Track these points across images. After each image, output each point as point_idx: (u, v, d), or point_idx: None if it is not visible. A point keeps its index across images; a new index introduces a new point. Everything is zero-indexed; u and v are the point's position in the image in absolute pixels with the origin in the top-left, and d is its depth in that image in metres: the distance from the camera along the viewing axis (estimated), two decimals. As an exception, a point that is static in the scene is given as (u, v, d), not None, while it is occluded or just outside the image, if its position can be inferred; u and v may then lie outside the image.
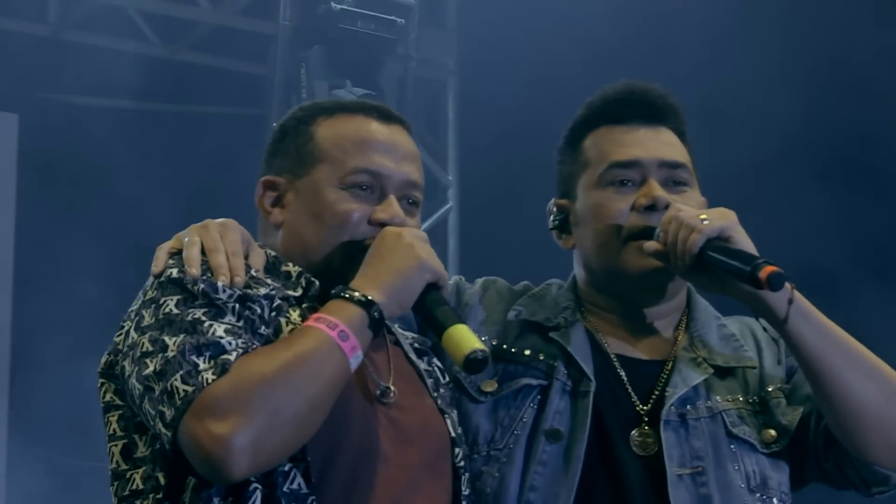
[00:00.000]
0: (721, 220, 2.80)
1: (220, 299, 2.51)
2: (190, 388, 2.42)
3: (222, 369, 2.43)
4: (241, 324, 2.51)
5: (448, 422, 2.75)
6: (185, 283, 2.53)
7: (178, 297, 2.53)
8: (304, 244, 2.71)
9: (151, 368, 2.47)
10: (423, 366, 2.82)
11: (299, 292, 2.65)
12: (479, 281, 3.08)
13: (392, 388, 2.67)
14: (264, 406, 2.40)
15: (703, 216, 2.80)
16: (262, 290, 2.57)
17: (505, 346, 2.95)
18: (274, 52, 7.05)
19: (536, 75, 6.80)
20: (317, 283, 2.66)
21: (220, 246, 2.61)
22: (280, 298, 2.61)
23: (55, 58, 7.00)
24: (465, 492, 2.75)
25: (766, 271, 2.69)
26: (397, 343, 2.81)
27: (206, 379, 2.42)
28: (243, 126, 6.78)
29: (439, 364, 2.88)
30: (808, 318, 2.81)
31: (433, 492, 2.66)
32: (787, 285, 2.75)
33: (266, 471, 2.45)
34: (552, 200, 3.05)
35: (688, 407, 2.87)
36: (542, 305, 3.00)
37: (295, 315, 2.60)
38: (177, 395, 2.42)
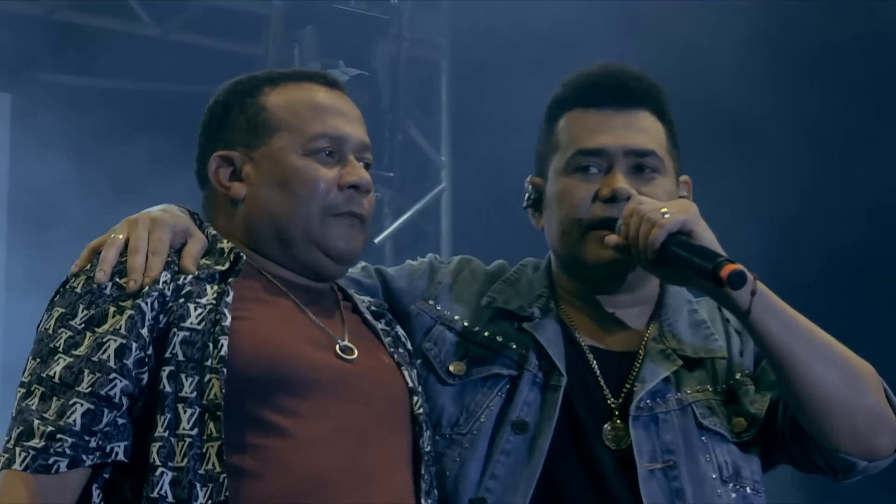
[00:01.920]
0: (682, 213, 2.77)
1: (91, 334, 2.55)
2: None
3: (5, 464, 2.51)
4: (86, 352, 2.54)
5: (405, 373, 2.77)
6: (75, 298, 2.59)
7: (63, 310, 2.60)
8: (272, 215, 2.72)
9: (17, 395, 2.58)
10: (380, 326, 2.84)
11: (226, 266, 2.67)
12: (455, 259, 3.08)
13: (352, 345, 2.70)
14: None
15: (663, 209, 2.78)
16: (157, 286, 2.60)
17: (476, 330, 2.94)
18: (267, 32, 7.04)
19: (530, 55, 6.78)
20: (244, 257, 2.69)
21: (142, 246, 2.63)
22: (198, 280, 2.63)
23: (48, 38, 6.99)
24: (426, 447, 2.76)
25: (726, 270, 2.67)
26: (354, 310, 2.84)
27: None
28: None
29: (402, 332, 2.91)
30: (771, 309, 2.79)
31: (389, 445, 2.68)
32: (751, 277, 2.74)
33: None
34: (529, 177, 3.03)
35: (657, 400, 2.86)
36: (517, 291, 2.99)
37: (211, 293, 2.62)
38: None
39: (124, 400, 2.54)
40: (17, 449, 2.49)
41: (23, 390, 2.55)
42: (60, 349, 2.55)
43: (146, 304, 2.58)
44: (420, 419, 2.74)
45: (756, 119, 6.41)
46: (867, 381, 2.83)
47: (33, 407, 2.52)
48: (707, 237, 2.77)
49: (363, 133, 2.79)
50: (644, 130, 2.94)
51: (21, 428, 2.51)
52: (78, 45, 6.98)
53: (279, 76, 2.82)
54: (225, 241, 2.72)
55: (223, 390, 2.54)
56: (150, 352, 2.56)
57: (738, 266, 2.69)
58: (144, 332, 2.56)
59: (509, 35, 6.93)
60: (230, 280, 2.65)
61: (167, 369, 2.56)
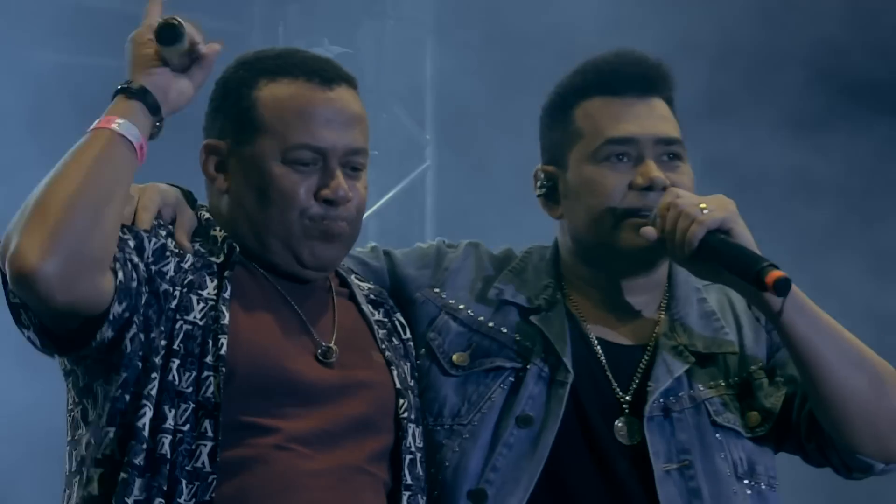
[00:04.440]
0: (721, 211, 2.78)
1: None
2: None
3: None
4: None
5: (394, 373, 2.76)
6: None
7: None
8: (250, 218, 2.73)
9: None
10: (376, 316, 2.84)
11: (221, 259, 2.68)
12: (462, 244, 3.06)
13: (334, 347, 2.70)
14: (35, 203, 2.46)
15: (703, 205, 2.78)
16: (171, 267, 2.62)
17: (481, 319, 2.95)
18: (251, 9, 7.02)
19: (516, 34, 6.77)
20: (237, 248, 2.69)
21: (131, 202, 2.65)
22: (197, 269, 2.64)
23: (32, 13, 6.95)
24: (416, 444, 2.76)
25: (772, 276, 2.68)
26: (351, 297, 2.83)
27: None
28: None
29: (401, 319, 2.91)
30: (802, 310, 2.80)
31: (365, 448, 2.68)
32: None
33: (82, 271, 2.46)
34: (539, 166, 3.02)
35: (671, 398, 2.87)
36: (524, 281, 2.98)
37: (211, 287, 2.64)
38: None
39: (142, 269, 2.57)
40: None
41: None
42: None
43: (148, 240, 2.60)
44: (404, 422, 2.74)
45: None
46: (891, 383, 2.84)
47: None
48: (746, 236, 2.78)
49: (354, 137, 2.74)
50: (666, 118, 2.95)
51: None
52: (60, 21, 6.94)
53: (278, 68, 2.77)
54: (218, 228, 2.72)
55: (221, 389, 2.55)
56: (146, 287, 2.58)
57: (784, 273, 2.69)
58: (140, 263, 2.57)
59: (495, 13, 6.91)
60: (227, 274, 2.66)
61: (175, 362, 2.58)
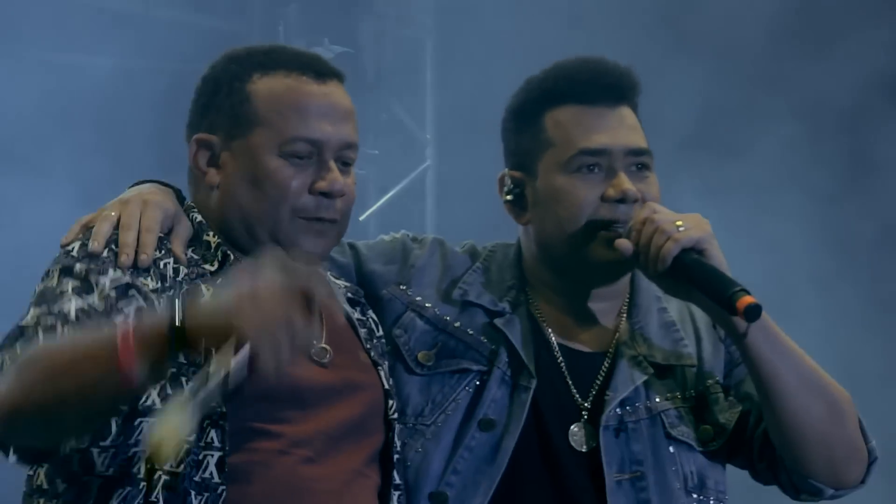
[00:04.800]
0: (697, 230, 2.78)
1: (98, 283, 2.53)
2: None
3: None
4: (103, 306, 2.50)
5: (381, 373, 2.78)
6: (73, 260, 2.56)
7: (61, 266, 2.56)
8: (242, 211, 2.71)
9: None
10: (356, 315, 2.84)
11: (215, 266, 2.67)
12: (427, 240, 3.04)
13: (327, 347, 2.70)
14: (17, 379, 2.39)
15: (678, 223, 2.78)
16: (152, 285, 2.58)
17: (448, 318, 2.94)
18: (251, 9, 7.02)
19: (515, 33, 6.77)
20: (232, 256, 2.68)
21: (133, 223, 2.62)
22: (191, 279, 2.62)
23: (32, 13, 6.95)
24: (399, 445, 2.77)
25: (743, 302, 2.69)
26: (330, 295, 2.82)
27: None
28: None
29: (374, 317, 2.90)
30: (766, 334, 2.80)
31: (360, 449, 2.68)
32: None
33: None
34: (505, 171, 2.99)
35: (627, 409, 2.87)
36: (488, 281, 2.97)
37: (208, 295, 2.59)
38: None
39: None
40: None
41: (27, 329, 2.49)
42: (69, 292, 2.52)
43: (154, 281, 2.57)
44: (393, 423, 2.76)
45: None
46: (847, 411, 2.85)
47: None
48: (718, 257, 2.78)
49: (348, 131, 2.74)
50: (635, 128, 2.94)
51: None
52: (62, 22, 6.94)
53: (271, 62, 2.76)
54: (211, 233, 2.71)
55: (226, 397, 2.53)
56: None
57: (754, 299, 2.69)
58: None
59: (494, 12, 6.91)
60: (220, 281, 2.63)
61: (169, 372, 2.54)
